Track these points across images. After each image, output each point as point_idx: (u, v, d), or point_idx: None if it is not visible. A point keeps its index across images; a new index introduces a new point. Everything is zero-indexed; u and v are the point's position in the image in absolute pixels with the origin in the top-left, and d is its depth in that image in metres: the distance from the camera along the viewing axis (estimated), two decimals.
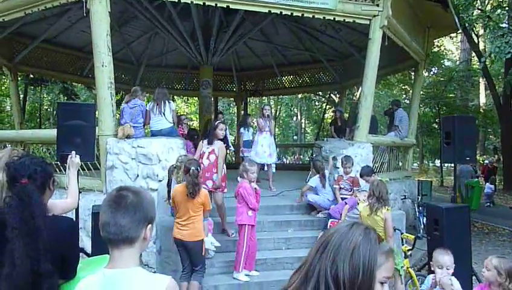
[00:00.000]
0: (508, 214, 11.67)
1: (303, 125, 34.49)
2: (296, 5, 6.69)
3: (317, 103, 28.98)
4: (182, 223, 4.47)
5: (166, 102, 6.72)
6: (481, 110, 21.33)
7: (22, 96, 15.93)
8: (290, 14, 6.85)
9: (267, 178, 7.91)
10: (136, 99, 6.63)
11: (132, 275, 1.44)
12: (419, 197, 9.09)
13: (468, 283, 4.45)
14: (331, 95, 20.09)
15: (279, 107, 32.17)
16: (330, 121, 12.89)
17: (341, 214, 5.77)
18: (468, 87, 20.79)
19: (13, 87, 10.95)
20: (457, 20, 9.33)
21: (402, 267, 4.61)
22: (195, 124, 20.93)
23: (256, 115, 8.05)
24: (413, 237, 5.22)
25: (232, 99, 19.52)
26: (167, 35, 10.35)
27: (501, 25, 12.96)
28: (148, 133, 7.10)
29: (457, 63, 23.39)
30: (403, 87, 23.03)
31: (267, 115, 7.85)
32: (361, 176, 6.06)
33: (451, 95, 20.98)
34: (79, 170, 3.47)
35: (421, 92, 13.60)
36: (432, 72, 22.14)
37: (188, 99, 26.30)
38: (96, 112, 5.88)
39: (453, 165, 6.25)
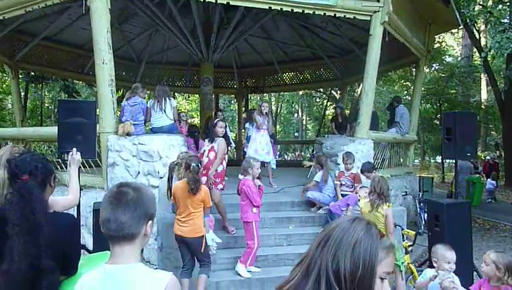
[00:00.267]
0: (509, 210, 11.66)
1: (304, 122, 34.48)
2: (296, 2, 6.68)
3: (318, 100, 28.96)
4: (182, 220, 4.49)
5: (167, 99, 6.73)
6: (482, 106, 21.29)
7: (23, 94, 15.94)
8: (290, 10, 6.83)
9: (267, 175, 7.92)
10: (136, 97, 6.64)
11: (133, 270, 1.45)
12: (421, 194, 9.09)
13: (469, 279, 4.45)
14: (332, 91, 20.04)
15: (280, 104, 32.15)
16: (331, 117, 12.88)
17: (342, 210, 5.78)
18: (469, 83, 20.73)
19: (14, 85, 10.96)
20: (458, 16, 9.30)
21: (403, 263, 4.62)
22: (196, 121, 20.92)
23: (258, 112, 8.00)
24: (413, 233, 5.22)
25: (233, 96, 19.50)
26: (168, 32, 10.35)
27: (502, 21, 12.90)
28: (148, 130, 7.10)
29: (459, 59, 23.31)
30: (404, 83, 22.98)
31: (266, 112, 7.83)
32: (362, 172, 6.07)
33: (452, 91, 20.93)
34: (80, 167, 3.47)
35: (422, 88, 13.60)
36: (433, 68, 22.10)
37: (188, 96, 26.29)
38: (97, 109, 5.88)
39: (454, 161, 6.24)
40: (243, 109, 15.75)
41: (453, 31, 19.77)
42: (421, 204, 8.53)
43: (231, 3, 6.54)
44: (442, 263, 3.29)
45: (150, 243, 5.52)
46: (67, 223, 2.11)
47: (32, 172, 1.98)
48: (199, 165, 4.55)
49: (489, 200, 13.63)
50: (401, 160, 9.92)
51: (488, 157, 17.71)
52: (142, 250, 1.99)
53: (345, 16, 7.10)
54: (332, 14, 7.06)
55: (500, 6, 13.91)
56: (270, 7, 6.74)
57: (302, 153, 23.37)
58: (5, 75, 16.75)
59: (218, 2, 6.49)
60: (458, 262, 3.35)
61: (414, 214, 9.01)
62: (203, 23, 9.96)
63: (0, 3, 6.99)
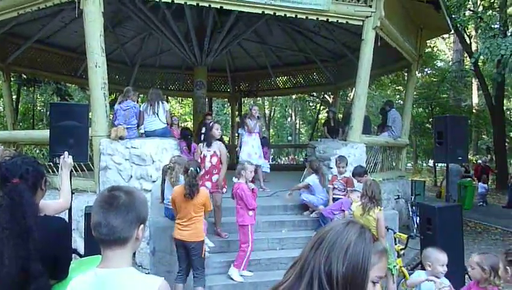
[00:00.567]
0: (500, 214, 11.77)
1: (297, 126, 34.54)
2: (289, 6, 6.71)
3: (311, 104, 29.05)
4: (184, 224, 4.44)
5: (160, 102, 6.72)
6: (474, 110, 21.48)
7: (14, 97, 15.81)
8: (283, 15, 6.88)
9: (258, 178, 7.92)
10: (129, 101, 6.61)
11: (124, 275, 1.44)
12: (413, 197, 9.14)
13: (460, 281, 4.48)
14: (325, 95, 20.14)
15: (273, 107, 32.19)
16: (323, 121, 12.93)
17: (334, 214, 5.80)
18: (460, 87, 20.94)
19: (6, 87, 10.89)
20: (449, 21, 9.41)
21: (394, 266, 4.64)
22: (189, 124, 20.88)
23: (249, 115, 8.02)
24: (406, 236, 5.24)
25: (227, 100, 19.52)
26: (161, 36, 10.34)
27: (492, 26, 13.06)
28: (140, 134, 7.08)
29: (450, 63, 23.53)
30: (396, 87, 23.15)
31: (257, 116, 7.84)
32: (353, 175, 6.09)
33: (444, 96, 21.12)
34: (72, 170, 3.45)
35: (414, 93, 13.68)
36: (424, 73, 22.27)
37: (182, 100, 26.25)
38: (90, 113, 5.86)
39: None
40: (236, 112, 15.76)
41: (445, 36, 20.01)
42: (413, 207, 8.56)
43: (224, 7, 6.56)
44: (436, 266, 3.31)
45: (142, 247, 5.49)
46: (58, 226, 2.09)
47: (23, 175, 1.96)
48: (197, 169, 4.53)
49: (481, 203, 13.73)
50: (394, 164, 9.98)
51: (479, 161, 17.86)
52: (134, 254, 1.98)
53: (337, 20, 7.16)
54: (325, 19, 7.11)
55: (490, 11, 14.07)
56: (263, 12, 6.77)
57: (296, 157, 23.41)
58: None
59: (211, 6, 6.51)
60: (450, 265, 3.37)
61: (406, 218, 9.04)
62: (197, 27, 9.97)
63: None
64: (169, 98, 19.58)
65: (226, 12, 8.24)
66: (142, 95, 13.31)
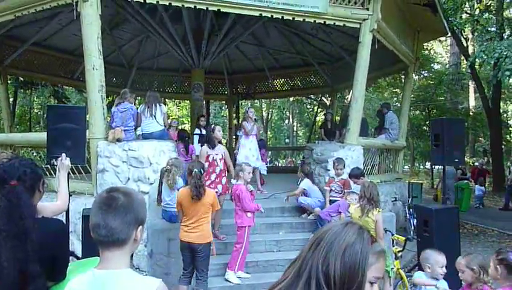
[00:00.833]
0: (497, 216, 11.80)
1: (295, 128, 34.60)
2: (286, 9, 6.73)
3: (308, 106, 29.10)
4: (191, 226, 4.43)
5: (157, 105, 6.74)
6: (470, 112, 21.56)
7: (11, 99, 15.76)
8: (281, 17, 6.89)
9: (255, 180, 7.93)
10: (126, 103, 6.61)
11: (122, 276, 1.44)
12: (410, 199, 9.16)
13: (457, 283, 4.49)
14: (323, 98, 20.17)
15: (271, 110, 32.23)
16: (320, 123, 12.95)
17: (331, 216, 5.81)
18: (457, 90, 21.03)
19: (3, 90, 10.82)
20: (446, 24, 9.45)
21: (392, 268, 4.64)
22: (187, 127, 20.88)
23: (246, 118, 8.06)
24: (403, 238, 5.25)
25: (224, 102, 19.52)
26: (158, 39, 10.33)
27: (489, 29, 13.14)
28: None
29: (447, 66, 23.63)
30: (394, 90, 23.23)
31: (255, 118, 7.88)
32: (350, 177, 6.11)
33: (441, 98, 21.18)
34: (69, 173, 3.45)
35: (411, 95, 13.74)
36: (421, 75, 22.36)
37: (179, 103, 26.26)
38: (87, 115, 5.85)
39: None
40: (234, 115, 15.76)
41: (441, 38, 20.06)
42: (411, 210, 8.59)
43: (222, 10, 6.57)
44: (436, 267, 3.32)
45: (139, 249, 5.48)
46: (56, 228, 2.09)
47: (21, 177, 1.96)
48: (201, 171, 4.53)
49: (478, 205, 13.77)
50: (391, 166, 9.99)
51: (476, 164, 17.91)
52: (132, 256, 1.98)
53: (334, 23, 7.17)
54: (322, 22, 7.13)
55: (486, 14, 14.15)
56: (260, 14, 6.79)
57: (293, 159, 23.41)
58: None
59: (209, 8, 6.52)
60: (447, 267, 3.39)
61: (403, 220, 9.05)
62: (194, 30, 9.98)
63: None
64: (166, 100, 19.58)
65: (223, 14, 8.25)
66: (139, 98, 13.30)
